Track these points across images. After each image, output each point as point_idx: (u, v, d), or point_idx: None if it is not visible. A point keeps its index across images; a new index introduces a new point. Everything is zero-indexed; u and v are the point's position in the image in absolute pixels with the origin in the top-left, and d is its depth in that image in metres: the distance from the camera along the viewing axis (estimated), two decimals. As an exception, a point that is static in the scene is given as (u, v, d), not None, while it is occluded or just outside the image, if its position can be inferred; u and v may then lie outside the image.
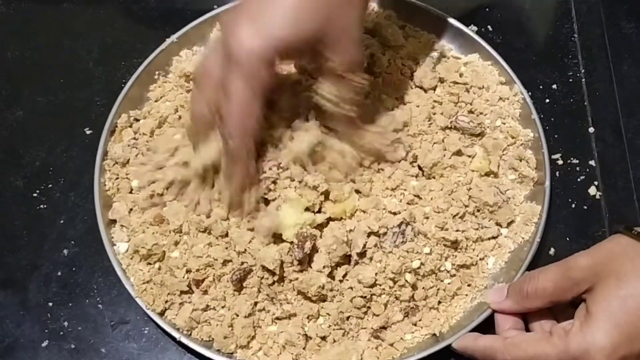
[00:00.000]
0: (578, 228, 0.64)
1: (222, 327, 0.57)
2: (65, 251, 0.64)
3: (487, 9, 0.77)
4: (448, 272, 0.59)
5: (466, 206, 0.61)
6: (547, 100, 0.71)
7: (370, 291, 0.57)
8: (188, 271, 0.58)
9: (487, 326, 0.57)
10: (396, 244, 0.57)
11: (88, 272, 0.62)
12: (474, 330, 0.57)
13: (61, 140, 0.69)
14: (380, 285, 0.57)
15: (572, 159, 0.67)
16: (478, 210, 0.61)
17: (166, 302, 0.58)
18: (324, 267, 0.57)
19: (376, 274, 0.57)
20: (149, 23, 0.77)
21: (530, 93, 0.70)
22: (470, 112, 0.66)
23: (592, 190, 0.66)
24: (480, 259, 0.61)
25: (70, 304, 0.61)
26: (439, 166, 0.62)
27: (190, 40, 0.71)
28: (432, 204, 0.60)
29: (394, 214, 0.59)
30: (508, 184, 0.64)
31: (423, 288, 0.58)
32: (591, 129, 0.69)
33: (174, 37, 0.70)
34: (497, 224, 0.62)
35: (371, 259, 0.58)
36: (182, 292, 0.58)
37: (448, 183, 0.62)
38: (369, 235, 0.58)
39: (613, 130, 0.69)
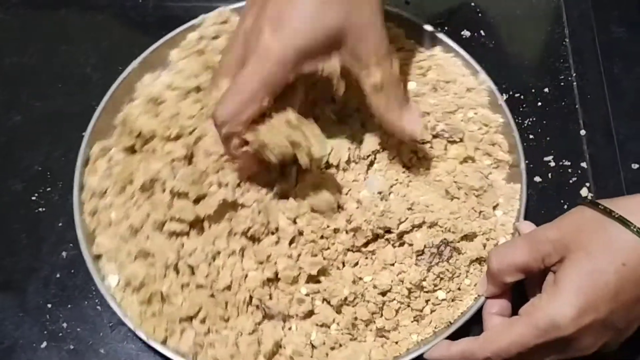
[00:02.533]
0: None
1: (227, 348, 0.57)
2: (64, 253, 0.64)
3: (480, 14, 0.78)
4: (469, 280, 0.60)
5: (458, 198, 0.62)
6: (539, 104, 0.72)
7: (383, 299, 0.58)
8: (184, 299, 0.58)
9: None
10: (432, 264, 0.58)
11: (87, 274, 0.62)
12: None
13: (59, 144, 0.70)
14: (394, 291, 0.58)
15: (564, 161, 0.69)
16: (465, 195, 0.62)
17: (166, 330, 0.57)
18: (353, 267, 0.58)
19: (392, 280, 0.57)
20: (146, 29, 0.78)
21: (522, 97, 0.72)
22: (446, 113, 0.66)
23: (584, 192, 0.67)
24: (494, 245, 0.62)
25: (69, 306, 0.62)
26: (426, 158, 0.63)
27: (151, 65, 0.71)
28: (437, 210, 0.61)
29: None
30: (486, 168, 0.65)
31: (440, 298, 0.59)
32: (582, 132, 0.70)
33: (135, 63, 0.70)
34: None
35: (393, 264, 0.59)
36: (181, 320, 0.57)
37: (430, 174, 0.63)
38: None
39: (604, 133, 0.70)
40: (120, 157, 0.65)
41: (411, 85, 0.68)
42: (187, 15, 0.74)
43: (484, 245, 0.61)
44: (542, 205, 0.66)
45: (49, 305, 0.62)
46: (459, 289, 0.59)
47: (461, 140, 0.65)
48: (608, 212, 0.51)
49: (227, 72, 0.56)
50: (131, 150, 0.65)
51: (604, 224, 0.51)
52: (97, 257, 0.61)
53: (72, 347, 0.60)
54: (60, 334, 0.61)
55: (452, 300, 0.59)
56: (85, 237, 0.61)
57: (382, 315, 0.58)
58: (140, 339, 0.60)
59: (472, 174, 0.63)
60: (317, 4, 0.52)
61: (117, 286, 0.60)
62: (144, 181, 0.60)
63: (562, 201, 0.66)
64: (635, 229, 0.49)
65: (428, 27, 0.72)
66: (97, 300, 0.62)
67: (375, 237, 0.59)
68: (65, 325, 0.61)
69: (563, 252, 0.51)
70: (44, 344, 0.60)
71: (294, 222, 0.58)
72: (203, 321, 0.57)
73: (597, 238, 0.51)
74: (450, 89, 0.69)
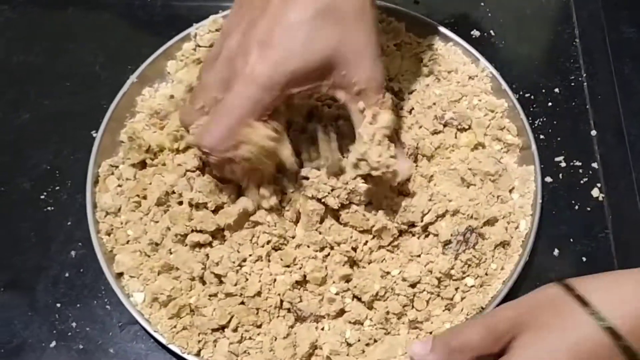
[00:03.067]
0: (581, 229, 0.65)
1: (263, 354, 0.57)
2: (72, 253, 0.64)
3: (490, 14, 0.78)
4: (495, 265, 0.60)
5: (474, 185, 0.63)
6: (550, 104, 0.71)
7: (413, 291, 0.58)
8: (214, 309, 0.58)
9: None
10: (458, 252, 0.58)
11: (96, 274, 0.62)
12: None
13: (68, 143, 0.70)
14: (423, 282, 0.58)
15: (575, 161, 0.68)
16: (481, 180, 0.63)
17: (199, 342, 0.57)
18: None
19: (420, 271, 0.57)
20: (153, 27, 0.78)
21: (532, 97, 0.72)
22: (451, 102, 0.67)
23: (595, 192, 0.66)
24: (515, 228, 0.62)
25: (78, 305, 0.62)
26: (442, 147, 0.64)
27: (149, 78, 0.71)
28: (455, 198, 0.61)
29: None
30: (497, 153, 0.66)
31: (469, 285, 0.59)
32: (593, 132, 0.70)
33: (133, 77, 0.69)
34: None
35: (419, 255, 0.59)
36: (213, 330, 0.57)
37: (444, 164, 0.64)
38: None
39: (615, 133, 0.70)
40: (130, 174, 0.64)
41: (415, 80, 0.69)
42: (194, 15, 0.75)
43: (506, 229, 0.61)
44: (553, 206, 0.66)
45: (58, 305, 0.62)
46: (486, 274, 0.60)
47: (470, 127, 0.66)
48: (569, 290, 0.49)
49: (208, 91, 0.54)
50: (141, 165, 0.65)
51: (563, 302, 0.48)
52: (119, 275, 0.61)
53: (81, 346, 0.60)
54: (70, 334, 0.60)
55: (481, 286, 0.59)
56: (104, 256, 0.61)
57: (413, 307, 0.58)
58: (150, 339, 0.60)
59: (485, 159, 0.63)
60: (310, 28, 0.50)
61: (144, 302, 0.59)
62: (159, 195, 0.60)
63: (573, 202, 0.66)
64: (591, 311, 0.47)
65: (425, 19, 0.72)
66: (106, 300, 0.62)
67: (400, 233, 0.59)
68: (74, 324, 0.61)
69: (516, 330, 0.48)
70: (53, 343, 0.60)
71: (318, 232, 0.59)
72: (235, 329, 0.57)
73: (554, 316, 0.48)
74: (453, 78, 0.70)
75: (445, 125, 0.65)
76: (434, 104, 0.66)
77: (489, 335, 0.49)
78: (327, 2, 0.50)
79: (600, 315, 0.46)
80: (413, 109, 0.67)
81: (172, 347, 0.57)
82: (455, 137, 0.65)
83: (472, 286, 0.59)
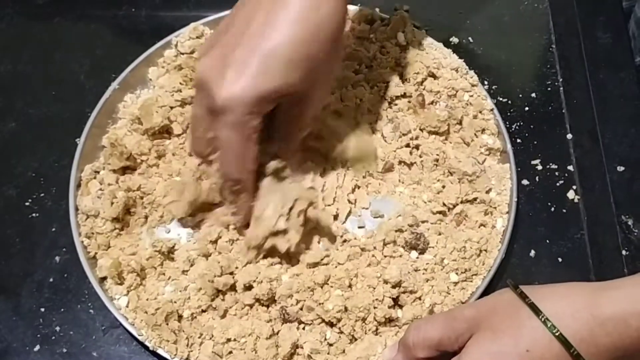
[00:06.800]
0: (558, 231, 0.66)
1: (246, 354, 0.57)
2: (57, 258, 0.65)
3: (469, 21, 0.79)
4: (475, 264, 0.62)
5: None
6: (527, 108, 0.73)
7: (395, 291, 0.59)
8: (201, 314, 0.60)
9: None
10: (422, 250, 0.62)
11: (80, 279, 0.63)
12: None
13: (53, 151, 0.71)
14: (404, 282, 0.59)
15: (551, 164, 0.69)
16: (459, 180, 0.64)
17: (187, 345, 0.58)
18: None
19: (401, 271, 0.59)
20: (138, 37, 0.79)
21: (510, 101, 0.73)
22: (449, 96, 0.70)
23: (571, 194, 0.68)
24: (492, 227, 0.64)
25: (62, 309, 0.62)
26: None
27: (131, 85, 0.72)
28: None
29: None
30: (480, 156, 0.67)
31: (448, 281, 0.61)
32: (569, 135, 0.71)
33: (115, 84, 0.71)
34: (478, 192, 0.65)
35: (401, 256, 0.61)
36: (200, 335, 0.58)
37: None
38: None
39: (590, 136, 0.71)
40: (112, 179, 0.65)
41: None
42: (178, 24, 0.76)
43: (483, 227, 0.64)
44: (529, 208, 0.67)
45: (42, 309, 0.62)
46: (465, 271, 0.61)
47: (461, 122, 0.68)
48: (523, 297, 0.50)
49: (198, 122, 0.58)
50: (122, 171, 0.66)
51: (517, 308, 0.50)
52: (102, 279, 0.61)
53: (65, 350, 0.61)
54: (53, 337, 0.61)
55: (464, 281, 0.61)
56: (87, 261, 0.62)
57: (394, 306, 0.59)
58: (133, 342, 0.61)
59: (465, 159, 0.65)
60: (285, 62, 0.53)
61: (127, 308, 0.60)
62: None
63: (549, 204, 0.67)
64: (543, 318, 0.48)
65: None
66: (89, 304, 0.63)
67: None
68: (58, 328, 0.62)
69: (473, 330, 0.50)
70: (37, 347, 0.61)
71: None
72: (222, 331, 0.58)
73: (508, 321, 0.50)
74: (443, 75, 0.71)
75: (442, 119, 0.67)
76: (435, 100, 0.69)
77: (448, 333, 0.51)
78: (306, 31, 0.53)
79: (552, 323, 0.48)
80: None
81: (160, 351, 0.58)
82: (448, 131, 0.68)
83: (452, 283, 0.61)
